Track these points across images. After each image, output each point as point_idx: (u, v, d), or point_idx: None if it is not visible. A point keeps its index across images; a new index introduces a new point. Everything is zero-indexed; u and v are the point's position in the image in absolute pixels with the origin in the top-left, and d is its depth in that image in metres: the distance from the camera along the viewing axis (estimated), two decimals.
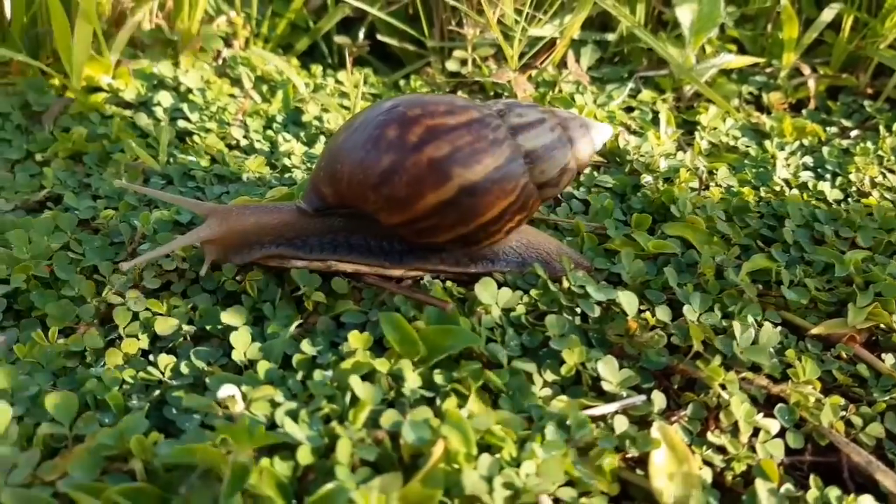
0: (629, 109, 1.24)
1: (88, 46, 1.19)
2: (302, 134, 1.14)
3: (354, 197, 0.75)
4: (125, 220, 0.91)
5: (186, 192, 0.99)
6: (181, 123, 1.15)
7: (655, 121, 1.20)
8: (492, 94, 1.27)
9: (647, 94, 1.27)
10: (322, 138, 1.12)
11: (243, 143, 1.13)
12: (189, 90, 1.23)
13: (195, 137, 1.12)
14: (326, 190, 0.77)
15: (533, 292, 0.78)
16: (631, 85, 1.28)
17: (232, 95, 1.24)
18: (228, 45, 1.39)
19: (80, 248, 0.85)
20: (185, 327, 0.75)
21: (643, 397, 0.69)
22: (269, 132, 1.15)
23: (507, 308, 0.76)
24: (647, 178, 1.00)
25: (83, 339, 0.73)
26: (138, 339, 0.74)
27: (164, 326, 0.75)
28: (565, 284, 0.79)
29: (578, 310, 0.77)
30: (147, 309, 0.76)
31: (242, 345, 0.71)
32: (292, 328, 0.72)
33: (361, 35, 1.41)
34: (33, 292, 0.78)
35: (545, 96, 1.22)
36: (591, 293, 0.78)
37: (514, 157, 0.75)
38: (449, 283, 0.79)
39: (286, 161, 1.06)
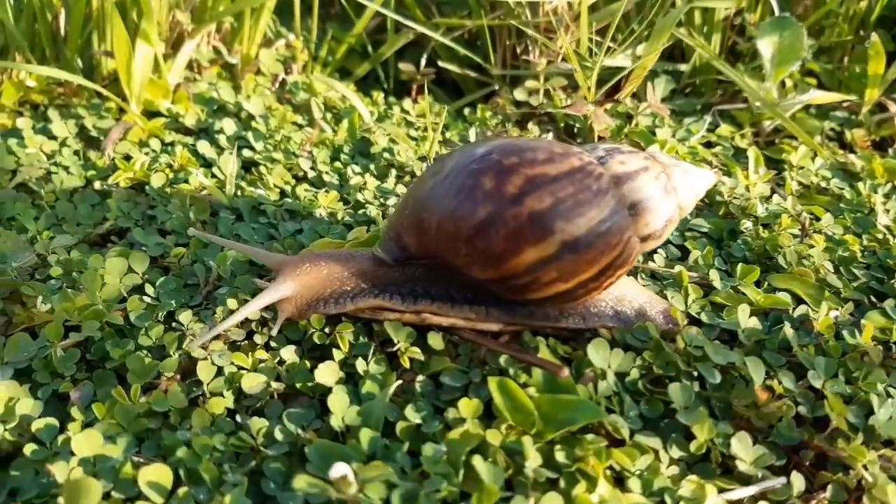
0: (708, 145, 1.17)
1: (149, 69, 1.14)
2: (372, 166, 1.07)
3: (443, 249, 0.69)
4: (198, 260, 0.85)
5: (258, 229, 0.92)
6: (245, 153, 1.09)
7: (737, 157, 1.13)
8: (562, 125, 1.20)
9: (725, 129, 1.20)
10: (393, 172, 1.06)
11: (311, 174, 1.07)
12: (251, 117, 1.17)
13: (261, 168, 1.06)
14: (410, 240, 0.71)
15: (646, 354, 0.71)
16: (708, 118, 1.21)
17: (295, 123, 1.18)
18: (287, 70, 1.33)
19: (154, 291, 0.79)
20: (274, 384, 0.69)
21: (783, 480, 0.62)
22: (337, 164, 1.08)
23: (621, 372, 0.69)
24: (746, 224, 0.93)
25: (167, 398, 0.66)
26: (223, 397, 0.67)
27: (251, 383, 0.68)
28: (679, 344, 0.72)
29: (694, 372, 0.70)
30: (232, 363, 0.70)
31: (340, 409, 0.65)
32: (391, 390, 0.65)
33: (423, 61, 1.35)
34: (108, 341, 0.72)
35: (621, 129, 1.15)
36: (709, 355, 0.71)
37: (619, 208, 0.69)
38: (552, 341, 0.73)
39: (359, 196, 1.00)
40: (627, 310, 0.77)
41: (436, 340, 0.72)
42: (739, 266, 0.85)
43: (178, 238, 0.91)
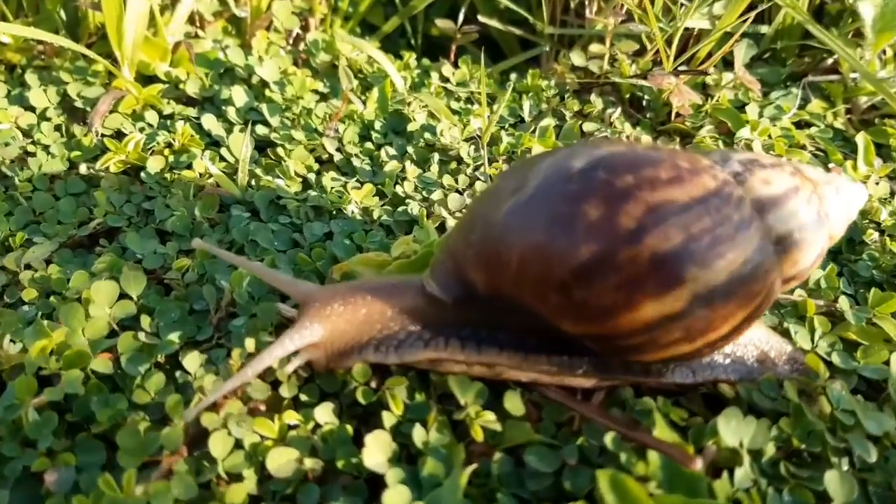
0: (798, 125, 0.99)
1: (144, 24, 0.95)
2: (409, 149, 0.89)
3: (524, 294, 0.53)
4: (207, 276, 0.68)
5: (279, 232, 0.75)
6: (259, 129, 0.90)
7: (835, 140, 0.95)
8: (627, 96, 1.01)
9: (816, 105, 1.01)
10: (435, 157, 0.88)
11: (337, 157, 0.89)
12: (265, 84, 0.98)
13: (279, 150, 0.87)
14: (477, 276, 0.55)
15: (783, 423, 0.55)
16: (798, 92, 1.02)
17: (316, 91, 0.99)
18: (303, 25, 1.13)
19: (152, 322, 0.62)
20: (308, 462, 0.52)
21: None
22: (368, 144, 0.90)
23: (755, 450, 0.53)
24: (872, 236, 0.76)
25: (170, 486, 0.50)
26: (243, 480, 0.51)
27: (279, 462, 0.52)
28: (824, 407, 0.56)
29: (842, 444, 0.54)
30: (254, 431, 0.53)
31: None
32: (463, 479, 0.49)
33: (461, 17, 1.15)
34: (94, 398, 0.56)
35: (701, 106, 0.96)
36: (861, 422, 0.55)
37: (764, 245, 0.52)
38: (662, 403, 0.56)
39: (397, 189, 0.82)
40: (746, 356, 0.61)
41: (513, 403, 0.56)
42: (872, 292, 0.68)
43: (180, 243, 0.74)
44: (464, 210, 0.80)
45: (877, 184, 0.84)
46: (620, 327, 0.50)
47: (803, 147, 0.94)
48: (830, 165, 0.87)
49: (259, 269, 0.61)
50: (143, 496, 0.50)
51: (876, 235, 0.77)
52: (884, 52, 1.05)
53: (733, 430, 0.53)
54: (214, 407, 0.55)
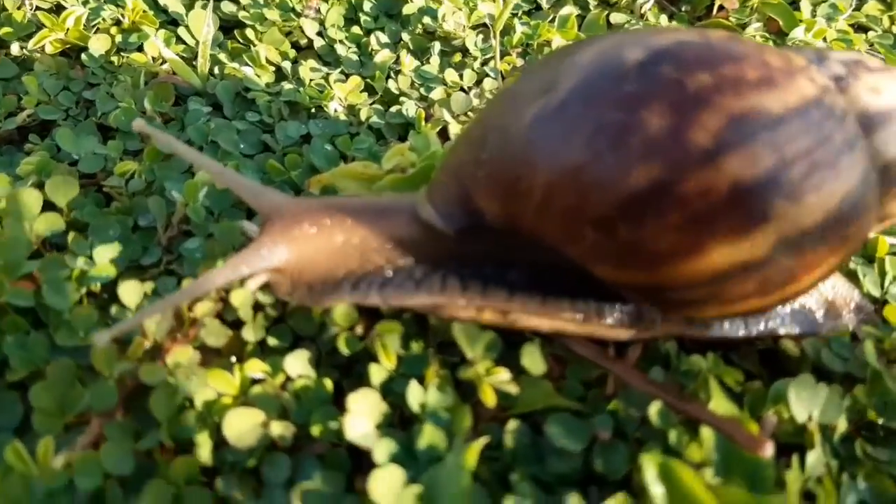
0: (854, 28, 0.86)
1: None
2: (405, 36, 0.75)
3: (550, 229, 0.41)
4: (157, 183, 0.55)
5: (246, 133, 0.62)
6: (225, 6, 0.76)
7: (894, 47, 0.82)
8: None
9: (873, 6, 0.88)
10: (436, 46, 0.74)
11: (318, 44, 0.75)
12: None
13: (248, 31, 0.73)
14: (488, 205, 0.43)
15: (858, 391, 0.45)
16: None
17: None
18: None
19: (85, 240, 0.50)
20: (276, 427, 0.42)
21: None
22: (356, 29, 0.76)
23: (826, 424, 0.43)
24: None
25: (100, 458, 0.39)
26: (193, 448, 0.41)
27: (239, 427, 0.41)
28: None
29: None
30: (207, 385, 0.42)
31: (388, 494, 0.38)
32: (471, 455, 0.39)
33: None
34: (8, 338, 0.44)
35: (745, 2, 0.82)
36: None
37: (868, 174, 0.40)
38: (712, 361, 0.46)
39: (390, 84, 0.69)
40: (809, 305, 0.50)
41: (533, 359, 0.45)
42: None
43: (125, 141, 0.61)
44: (470, 113, 0.67)
45: None
46: (677, 277, 0.39)
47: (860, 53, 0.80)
48: None
49: (216, 170, 0.48)
50: (64, 470, 0.39)
51: None
52: None
53: (805, 402, 0.43)
54: (158, 355, 0.44)
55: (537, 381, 0.45)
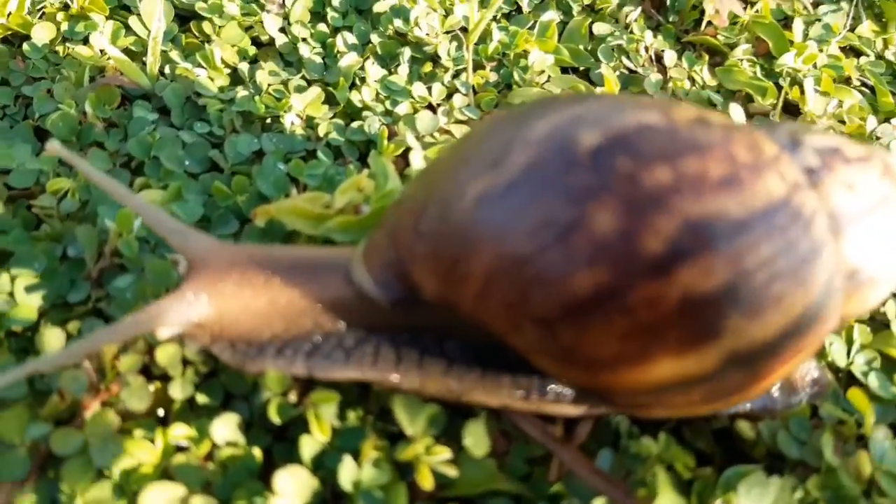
0: (845, 51, 0.83)
1: None
2: (374, 38, 0.71)
3: (489, 319, 0.39)
4: (90, 209, 0.52)
5: (191, 146, 0.59)
6: None
7: (888, 79, 0.80)
8: None
9: (868, 27, 0.85)
10: (406, 52, 0.70)
11: (280, 41, 0.70)
12: None
13: (205, 25, 0.69)
14: (425, 281, 0.40)
15: (811, 484, 0.44)
16: (849, 9, 0.85)
17: None
18: None
19: (7, 272, 0.47)
20: (196, 502, 0.39)
21: None
22: (322, 27, 0.72)
23: None
24: None
25: None
26: None
27: (156, 502, 0.39)
28: (863, 467, 0.44)
29: None
30: (124, 451, 0.40)
31: None
32: None
33: None
34: None
35: (739, 19, 0.79)
36: None
37: (833, 281, 0.38)
38: (664, 443, 0.44)
39: (354, 97, 0.65)
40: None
41: (477, 438, 0.43)
42: None
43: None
44: (436, 134, 0.64)
45: None
46: (619, 384, 0.37)
47: (847, 80, 0.78)
48: (893, 122, 0.71)
49: (138, 206, 0.45)
50: None
51: None
52: None
53: (754, 499, 0.41)
54: (75, 416, 0.41)
55: (479, 461, 0.43)
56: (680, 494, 0.42)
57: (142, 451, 0.41)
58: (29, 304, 0.46)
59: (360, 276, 0.42)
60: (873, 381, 0.52)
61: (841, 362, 0.53)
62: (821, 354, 0.53)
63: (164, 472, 0.41)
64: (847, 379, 0.53)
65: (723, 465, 0.46)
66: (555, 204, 0.35)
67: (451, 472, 0.42)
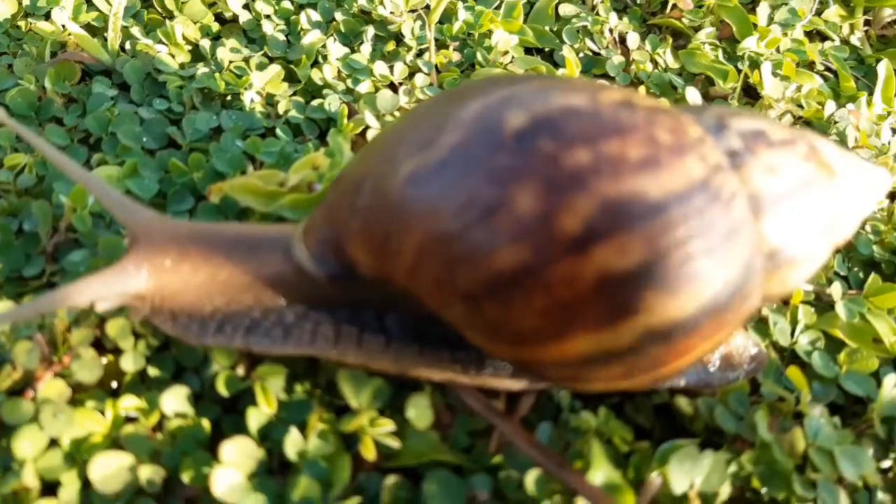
0: (811, 36, 0.84)
1: None
2: (338, 16, 0.72)
3: (420, 293, 0.40)
4: (46, 185, 0.53)
5: (150, 122, 0.60)
6: None
7: (849, 60, 0.81)
8: None
9: (835, 12, 0.86)
10: (370, 31, 0.71)
11: (244, 18, 0.71)
12: None
13: (168, 1, 0.69)
14: (360, 256, 0.42)
15: (745, 458, 0.46)
16: None
17: None
18: None
19: None
20: (145, 471, 0.41)
21: None
22: (286, 4, 0.72)
23: (707, 493, 0.44)
24: (882, 202, 0.64)
25: None
26: (59, 490, 0.40)
27: (105, 471, 0.41)
28: (797, 443, 0.47)
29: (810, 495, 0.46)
30: (74, 424, 0.42)
31: None
32: None
33: None
34: None
35: (701, 2, 0.80)
36: (837, 463, 0.46)
37: (752, 260, 0.39)
38: (603, 416, 0.46)
39: (315, 76, 0.66)
40: (705, 357, 0.50)
41: (419, 411, 0.45)
42: (870, 279, 0.58)
43: (24, 123, 0.58)
44: (396, 114, 0.65)
45: (893, 132, 0.71)
46: (543, 357, 0.39)
47: (812, 65, 0.79)
48: (848, 107, 0.73)
49: (83, 178, 0.46)
50: None
51: (886, 202, 0.65)
52: None
53: (687, 471, 0.43)
54: (27, 387, 0.43)
55: (422, 433, 0.45)
56: (616, 467, 0.44)
57: (92, 422, 0.42)
58: None
59: (299, 253, 0.43)
60: (816, 360, 0.54)
61: (784, 342, 0.55)
62: (764, 333, 0.55)
63: (114, 442, 0.43)
64: (790, 358, 0.55)
65: (662, 439, 0.48)
66: (480, 184, 0.36)
67: (394, 443, 0.44)
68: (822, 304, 0.58)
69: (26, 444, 0.41)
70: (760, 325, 0.55)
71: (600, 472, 0.43)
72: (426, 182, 0.37)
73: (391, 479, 0.43)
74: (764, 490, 0.46)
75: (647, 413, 0.50)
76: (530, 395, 0.48)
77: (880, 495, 0.47)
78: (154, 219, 0.45)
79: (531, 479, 0.42)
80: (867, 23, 0.89)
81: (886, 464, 0.49)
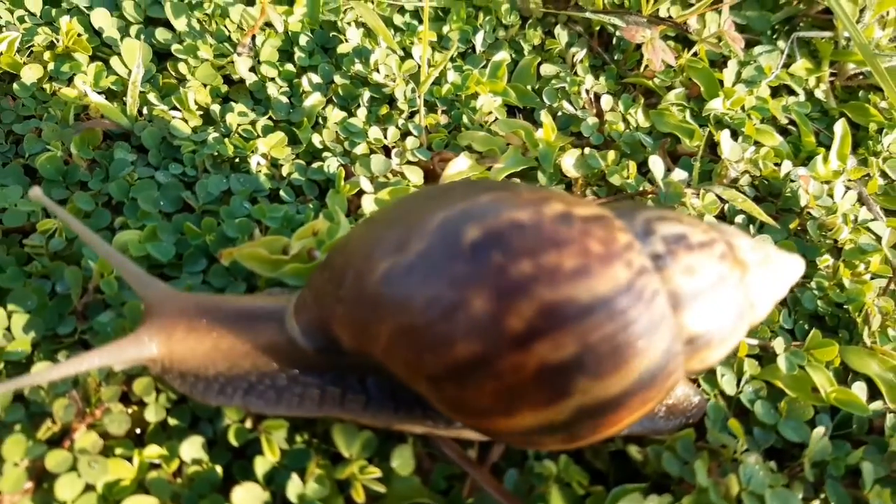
0: (777, 91, 0.92)
1: None
2: (337, 79, 0.80)
3: (394, 369, 0.49)
4: (75, 248, 0.60)
5: (166, 187, 0.68)
6: (160, 34, 0.79)
7: (813, 112, 0.89)
8: (597, 29, 0.91)
9: (802, 66, 0.93)
10: (366, 94, 0.79)
11: (250, 80, 0.79)
12: None
13: (181, 66, 0.77)
14: (345, 336, 0.50)
15: (686, 501, 0.54)
16: (785, 49, 0.93)
17: None
18: None
19: (4, 309, 0.56)
20: None
21: None
22: (289, 67, 0.80)
23: None
24: (827, 260, 0.72)
25: None
26: None
27: None
28: (731, 487, 0.54)
29: None
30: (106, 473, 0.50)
31: None
32: None
33: None
34: None
35: (676, 63, 0.88)
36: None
37: (672, 346, 0.47)
38: (563, 463, 0.54)
39: (315, 139, 0.74)
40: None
41: (403, 460, 0.53)
42: (811, 334, 0.65)
43: (51, 190, 0.66)
44: (389, 175, 0.73)
45: (846, 190, 0.78)
46: (496, 429, 0.48)
47: (774, 121, 0.87)
48: (800, 170, 0.81)
49: (106, 252, 0.54)
50: None
51: (831, 260, 0.73)
52: (886, 13, 0.96)
53: None
54: (65, 438, 0.50)
55: (405, 478, 0.53)
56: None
57: (122, 469, 0.50)
58: (24, 338, 0.55)
59: (291, 328, 0.51)
60: (758, 408, 0.62)
61: (731, 391, 0.63)
62: (713, 384, 0.63)
63: (141, 486, 0.51)
64: (736, 406, 0.63)
65: (617, 482, 0.56)
66: (442, 287, 0.45)
67: (381, 488, 0.52)
68: (767, 355, 0.66)
69: (67, 491, 0.49)
70: (709, 376, 0.63)
71: None
72: (398, 282, 0.46)
73: None
74: None
75: (604, 459, 0.58)
76: (500, 444, 0.56)
77: None
78: (166, 292, 0.53)
79: None
80: (833, 75, 0.96)
81: None
